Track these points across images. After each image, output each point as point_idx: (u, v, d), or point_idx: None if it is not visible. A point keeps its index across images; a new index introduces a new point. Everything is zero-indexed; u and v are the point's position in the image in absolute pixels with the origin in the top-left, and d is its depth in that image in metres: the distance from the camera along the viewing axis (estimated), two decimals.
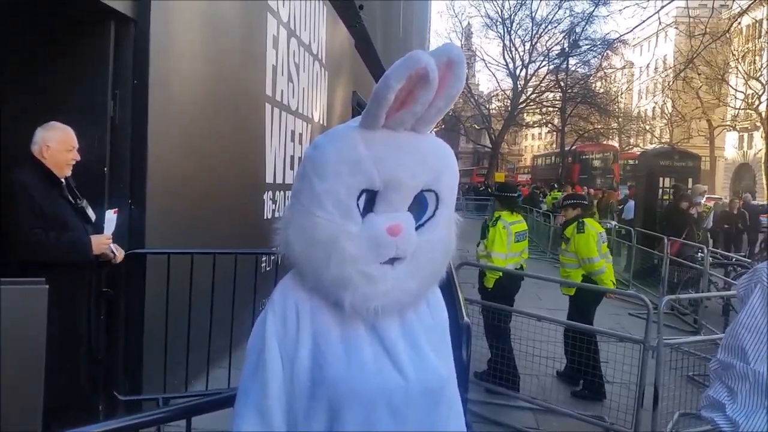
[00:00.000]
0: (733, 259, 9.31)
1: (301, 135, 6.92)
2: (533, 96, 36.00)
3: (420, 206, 1.25)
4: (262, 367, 1.21)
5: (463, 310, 2.89)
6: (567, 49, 32.79)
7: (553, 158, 39.86)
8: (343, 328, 1.23)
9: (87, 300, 3.21)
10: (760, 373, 1.52)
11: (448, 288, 2.78)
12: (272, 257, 5.42)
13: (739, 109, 34.18)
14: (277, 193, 6.10)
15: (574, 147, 34.60)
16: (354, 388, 1.18)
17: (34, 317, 0.72)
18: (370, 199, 1.20)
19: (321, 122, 7.90)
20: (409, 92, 1.15)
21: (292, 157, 6.55)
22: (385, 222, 1.18)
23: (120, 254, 3.35)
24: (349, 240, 1.17)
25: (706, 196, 12.21)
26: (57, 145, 3.12)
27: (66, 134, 3.18)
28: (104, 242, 3.19)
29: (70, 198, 3.18)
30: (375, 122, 1.18)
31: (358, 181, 1.18)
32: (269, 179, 5.90)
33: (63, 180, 3.16)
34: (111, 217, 3.30)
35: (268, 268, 5.37)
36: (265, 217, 5.77)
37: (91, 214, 3.28)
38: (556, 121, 36.99)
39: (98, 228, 3.27)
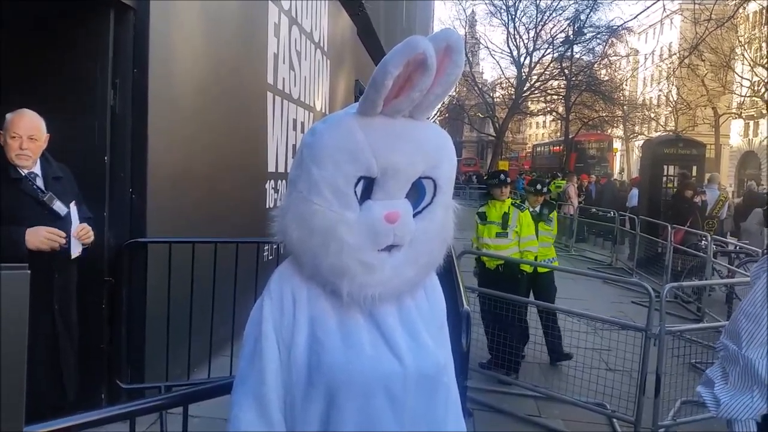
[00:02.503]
0: (737, 247, 9.28)
1: (302, 124, 6.89)
2: (537, 84, 35.73)
3: (418, 193, 1.24)
4: (258, 354, 1.22)
5: (464, 298, 2.88)
6: (571, 36, 32.50)
7: (551, 147, 39.66)
8: (341, 315, 1.23)
9: (49, 299, 2.95)
10: (749, 359, 1.59)
11: (448, 276, 2.78)
12: (274, 246, 5.42)
13: (745, 96, 33.95)
14: (279, 182, 6.09)
15: (572, 136, 34.44)
16: (351, 374, 1.18)
17: (15, 305, 0.71)
18: (368, 187, 1.19)
19: (323, 111, 7.87)
20: (407, 78, 1.13)
21: (294, 146, 6.52)
22: (382, 209, 1.18)
23: (77, 250, 3.00)
24: (346, 228, 1.17)
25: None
26: (3, 131, 2.86)
27: (13, 119, 2.88)
28: (45, 235, 2.81)
29: (39, 191, 2.92)
30: (373, 109, 1.17)
31: (356, 169, 1.17)
32: (271, 168, 5.88)
33: (24, 173, 2.89)
34: (71, 210, 3.01)
35: (270, 257, 5.37)
36: (267, 206, 5.76)
37: (60, 208, 2.95)
38: (560, 109, 36.75)
39: (71, 223, 3.00)
